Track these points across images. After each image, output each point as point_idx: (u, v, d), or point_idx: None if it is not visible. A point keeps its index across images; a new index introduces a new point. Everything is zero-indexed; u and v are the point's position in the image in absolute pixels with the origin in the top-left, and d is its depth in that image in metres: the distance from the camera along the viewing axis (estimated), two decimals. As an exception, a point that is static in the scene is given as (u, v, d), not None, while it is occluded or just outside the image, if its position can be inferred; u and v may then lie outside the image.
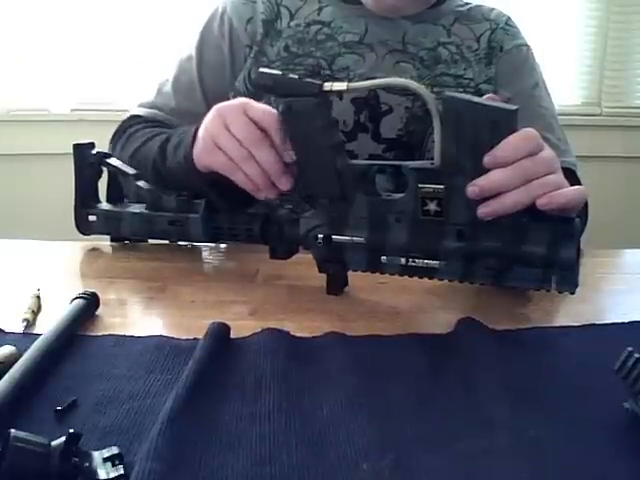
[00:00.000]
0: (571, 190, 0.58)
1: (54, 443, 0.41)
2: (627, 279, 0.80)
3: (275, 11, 0.98)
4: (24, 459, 0.39)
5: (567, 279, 0.58)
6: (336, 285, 0.71)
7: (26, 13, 1.94)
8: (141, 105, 1.05)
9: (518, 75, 1.00)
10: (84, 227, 0.87)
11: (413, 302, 0.70)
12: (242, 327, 0.62)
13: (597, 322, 0.65)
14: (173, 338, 0.61)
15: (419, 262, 0.63)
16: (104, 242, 0.89)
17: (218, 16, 1.00)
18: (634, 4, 2.03)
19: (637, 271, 0.84)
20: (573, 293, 0.59)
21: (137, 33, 1.98)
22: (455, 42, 0.98)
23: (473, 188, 0.57)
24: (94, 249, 0.88)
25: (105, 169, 0.87)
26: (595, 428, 0.48)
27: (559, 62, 2.02)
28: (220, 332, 0.60)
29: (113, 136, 1.02)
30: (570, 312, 0.67)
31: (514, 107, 0.56)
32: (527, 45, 1.03)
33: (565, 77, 2.07)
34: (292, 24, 0.97)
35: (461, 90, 0.95)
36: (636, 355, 0.47)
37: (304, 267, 0.73)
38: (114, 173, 0.87)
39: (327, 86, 0.62)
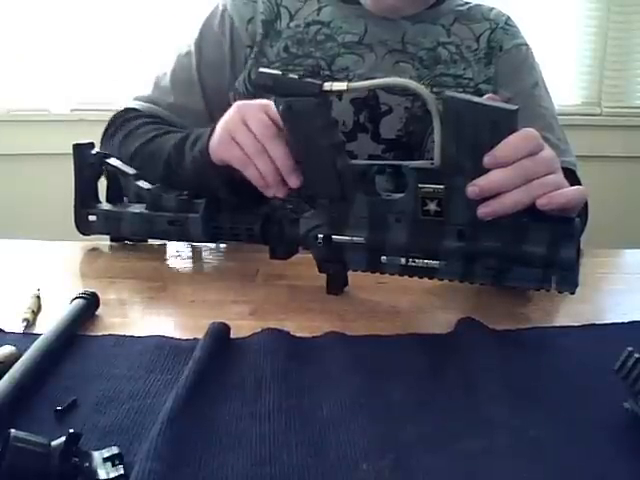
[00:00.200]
0: (571, 190, 0.58)
1: (54, 443, 0.41)
2: (627, 279, 0.80)
3: (275, 11, 0.98)
4: (24, 459, 0.39)
5: (567, 279, 0.58)
6: (336, 285, 0.71)
7: (26, 13, 1.94)
8: (137, 98, 1.04)
9: (518, 75, 1.00)
10: (84, 227, 0.87)
11: (413, 302, 0.70)
12: (242, 327, 0.62)
13: (597, 322, 0.65)
14: (173, 338, 0.61)
15: (419, 262, 0.63)
16: (104, 242, 0.89)
17: (219, 14, 1.00)
18: (634, 4, 2.03)
19: (637, 271, 0.84)
20: (573, 293, 0.59)
21: (137, 33, 1.98)
22: (455, 42, 0.98)
23: (473, 188, 0.57)
24: (94, 249, 0.88)
25: (105, 169, 0.87)
26: (595, 428, 0.48)
27: (559, 62, 2.02)
28: (220, 332, 0.60)
29: (107, 128, 1.01)
30: (570, 312, 0.67)
31: (514, 107, 0.56)
32: (527, 45, 1.03)
33: (565, 77, 2.07)
34: (292, 24, 0.97)
35: (461, 90, 0.95)
36: (636, 355, 0.47)
37: (304, 267, 0.73)
38: (114, 173, 0.87)
39: (327, 86, 0.62)
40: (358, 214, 0.65)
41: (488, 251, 0.60)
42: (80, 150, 0.86)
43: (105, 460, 0.42)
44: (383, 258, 0.65)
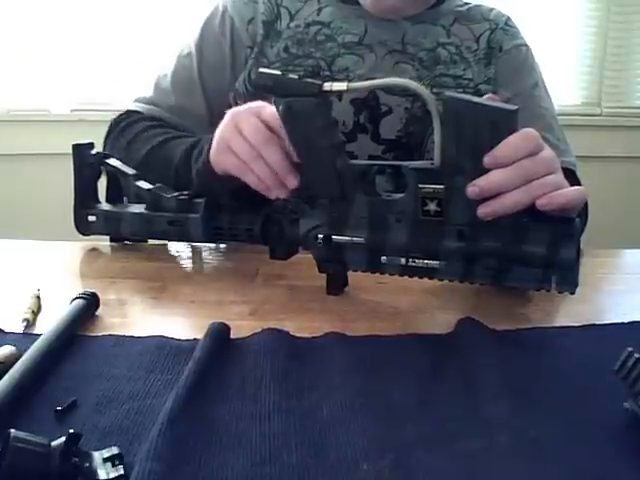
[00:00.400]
0: (571, 190, 0.58)
1: (54, 443, 0.41)
2: (627, 279, 0.80)
3: (275, 12, 0.98)
4: (24, 459, 0.39)
5: (567, 279, 0.58)
6: (336, 285, 0.71)
7: (26, 13, 1.94)
8: (138, 100, 1.04)
9: (518, 75, 1.00)
10: (84, 227, 0.87)
11: (413, 302, 0.70)
12: (242, 327, 0.62)
13: (597, 322, 0.65)
14: (173, 338, 0.61)
15: (419, 262, 0.63)
16: (104, 242, 0.89)
17: (219, 14, 1.00)
18: (634, 4, 2.03)
19: (637, 271, 0.84)
20: (573, 293, 0.59)
21: (137, 33, 1.98)
22: (454, 42, 0.98)
23: (473, 188, 0.57)
24: (94, 249, 0.88)
25: (104, 169, 0.87)
26: (595, 428, 0.48)
27: (559, 62, 2.03)
28: (220, 332, 0.60)
29: (109, 132, 1.01)
30: (570, 312, 0.67)
31: (514, 107, 0.56)
32: (526, 45, 1.03)
33: (565, 77, 2.07)
34: (292, 25, 0.97)
35: (460, 90, 0.95)
36: (636, 355, 0.47)
37: (304, 267, 0.73)
38: (113, 173, 0.87)
39: (327, 86, 0.62)
40: (358, 214, 0.65)
41: (488, 251, 0.60)
42: (80, 150, 0.86)
43: (105, 460, 0.42)
44: (383, 258, 0.65)
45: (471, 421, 0.48)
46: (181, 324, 0.66)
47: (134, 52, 1.99)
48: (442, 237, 0.61)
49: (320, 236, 0.68)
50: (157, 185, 0.82)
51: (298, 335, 0.61)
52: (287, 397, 0.51)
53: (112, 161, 0.86)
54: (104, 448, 0.43)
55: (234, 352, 0.58)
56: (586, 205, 0.81)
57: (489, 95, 0.65)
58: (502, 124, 0.56)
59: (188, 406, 0.48)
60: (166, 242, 0.87)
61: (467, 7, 1.03)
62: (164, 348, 0.59)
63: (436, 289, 0.71)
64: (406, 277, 0.65)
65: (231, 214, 0.77)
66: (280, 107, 0.64)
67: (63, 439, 0.41)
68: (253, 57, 0.97)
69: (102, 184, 0.88)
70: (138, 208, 0.82)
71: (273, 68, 0.65)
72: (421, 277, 0.65)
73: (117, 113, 1.03)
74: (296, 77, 0.63)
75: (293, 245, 0.73)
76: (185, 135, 0.91)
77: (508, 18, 1.04)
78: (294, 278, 0.76)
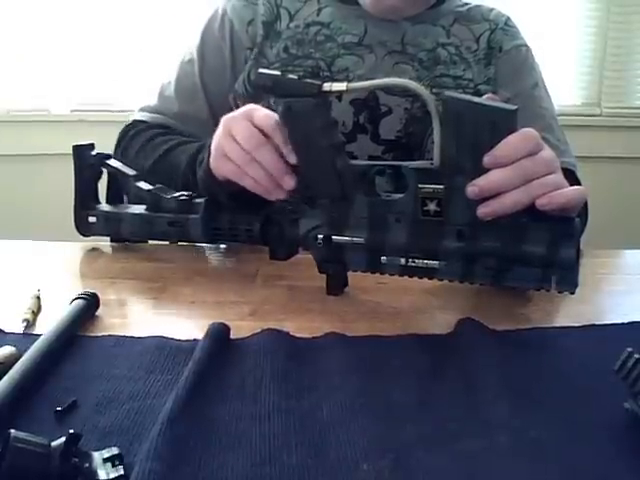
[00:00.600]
0: (571, 190, 0.58)
1: (54, 443, 0.41)
2: (627, 280, 0.80)
3: (275, 13, 0.98)
4: (24, 459, 0.39)
5: (567, 279, 0.58)
6: (336, 285, 0.71)
7: (26, 13, 1.94)
8: (143, 109, 1.05)
9: (518, 75, 1.00)
10: (84, 228, 0.87)
11: (413, 302, 0.70)
12: (242, 327, 0.62)
13: (597, 323, 0.65)
14: (173, 339, 0.61)
15: (419, 262, 0.63)
16: (104, 243, 0.89)
17: (219, 17, 1.00)
18: (634, 4, 2.03)
19: (637, 272, 0.84)
20: (573, 293, 0.59)
21: (137, 33, 1.98)
22: (454, 43, 0.98)
23: (473, 188, 0.57)
24: (94, 249, 0.88)
25: (105, 170, 0.87)
26: (595, 428, 0.47)
27: (559, 62, 2.03)
28: (220, 332, 0.60)
29: (118, 143, 1.02)
30: (570, 312, 0.67)
31: (514, 107, 0.56)
32: (526, 45, 1.03)
33: (565, 77, 2.08)
34: (291, 25, 0.97)
35: (460, 91, 0.95)
36: (636, 355, 0.47)
37: (304, 267, 0.73)
38: (114, 174, 0.87)
39: (326, 86, 0.62)
40: (358, 214, 0.65)
41: (488, 251, 0.60)
42: (80, 151, 0.86)
43: (105, 461, 0.42)
44: (383, 258, 0.65)
45: (471, 421, 0.48)
46: (181, 324, 0.66)
47: (134, 52, 1.99)
48: (442, 237, 0.61)
49: (320, 236, 0.68)
50: (157, 186, 0.82)
51: (298, 335, 0.61)
52: (287, 397, 0.51)
53: (112, 162, 0.86)
54: (104, 448, 0.43)
55: (234, 352, 0.58)
56: (586, 205, 0.81)
57: (489, 95, 0.65)
58: (502, 124, 0.56)
59: (188, 406, 0.48)
60: (166, 243, 0.87)
61: (467, 7, 1.03)
62: (164, 348, 0.59)
63: (436, 289, 0.71)
64: (406, 277, 0.65)
65: (231, 215, 0.77)
66: (280, 107, 0.64)
67: (63, 439, 0.41)
68: (253, 58, 0.97)
69: (102, 185, 0.88)
70: (138, 209, 0.82)
71: (273, 69, 0.66)
72: (421, 277, 0.65)
73: (124, 124, 1.05)
74: (296, 77, 0.63)
75: (293, 245, 0.73)
76: (190, 141, 0.91)
77: (508, 18, 1.04)
78: (294, 278, 0.76)
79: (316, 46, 0.96)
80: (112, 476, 0.41)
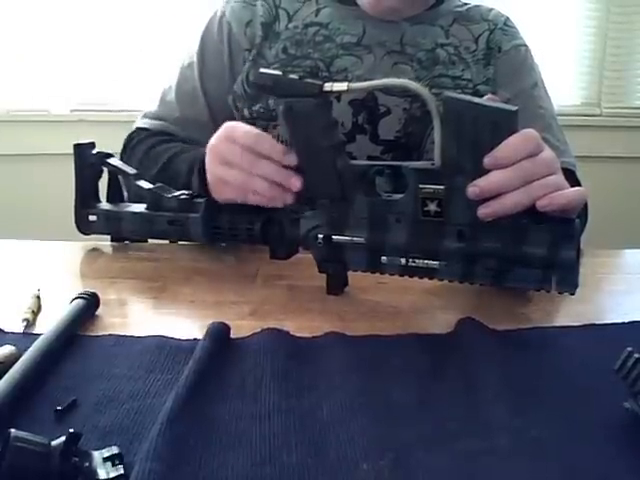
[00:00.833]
0: (571, 191, 0.58)
1: (54, 443, 0.41)
2: (628, 279, 0.80)
3: (273, 13, 0.98)
4: (24, 459, 0.39)
5: (567, 280, 0.58)
6: (336, 285, 0.71)
7: (26, 13, 1.94)
8: (145, 116, 1.06)
9: (517, 76, 1.00)
10: (84, 227, 0.87)
11: (413, 302, 0.70)
12: (242, 327, 0.62)
13: (598, 322, 0.65)
14: (173, 338, 0.61)
15: (419, 262, 0.63)
16: (104, 242, 0.89)
17: (217, 20, 1.00)
18: (634, 4, 2.03)
19: (637, 271, 0.84)
20: (573, 294, 0.59)
21: (137, 33, 1.98)
22: (453, 43, 0.98)
23: (473, 189, 0.57)
24: (94, 249, 0.88)
25: (105, 169, 0.87)
26: (596, 428, 0.48)
27: (559, 62, 2.03)
28: (220, 332, 0.60)
29: (122, 152, 1.02)
30: (571, 312, 0.67)
31: (514, 108, 0.56)
32: (526, 45, 1.03)
33: (565, 77, 2.08)
34: (290, 26, 0.97)
35: (459, 91, 0.95)
36: (636, 355, 0.47)
37: (304, 267, 0.73)
38: (114, 173, 0.87)
39: (327, 86, 0.62)
40: (358, 214, 0.66)
41: (488, 252, 0.60)
42: (81, 150, 0.86)
43: (105, 460, 0.42)
44: (383, 258, 0.65)
45: (471, 421, 0.48)
46: (181, 324, 0.66)
47: (134, 52, 1.99)
48: (442, 237, 0.61)
49: (320, 236, 0.68)
50: (158, 185, 0.82)
51: (298, 335, 0.61)
52: (287, 397, 0.51)
53: (113, 161, 0.86)
54: (104, 448, 0.43)
55: (234, 352, 0.58)
56: (586, 206, 0.81)
57: (489, 96, 0.65)
58: (502, 125, 0.56)
59: (188, 406, 0.48)
60: (166, 242, 0.87)
61: (466, 7, 1.03)
62: (164, 348, 0.59)
63: (436, 289, 0.71)
64: (406, 277, 0.65)
65: (231, 214, 0.77)
66: (280, 107, 0.64)
67: (63, 439, 0.41)
68: (251, 59, 0.97)
69: (103, 184, 0.88)
70: (139, 208, 0.82)
71: (272, 69, 0.66)
72: (421, 277, 0.65)
73: (127, 130, 1.05)
74: (297, 77, 0.63)
75: (293, 245, 0.73)
76: (189, 148, 0.91)
77: (507, 18, 1.04)
78: (294, 278, 0.76)
79: (315, 46, 0.96)
80: (112, 475, 0.41)
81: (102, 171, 0.87)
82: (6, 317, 0.64)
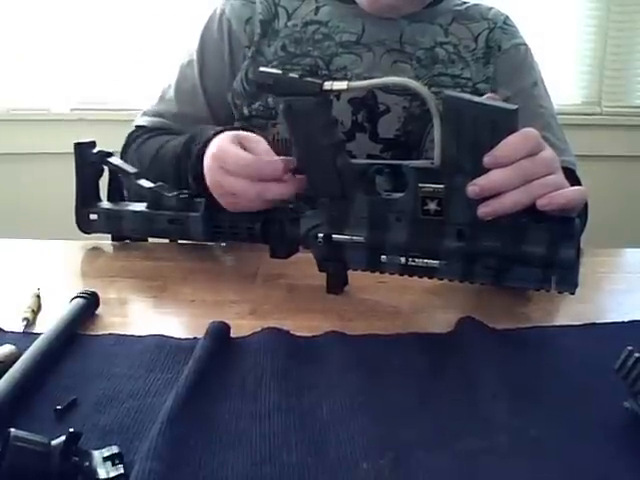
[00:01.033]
0: (571, 191, 0.58)
1: (54, 442, 0.41)
2: (628, 278, 0.80)
3: (272, 11, 0.98)
4: (24, 458, 0.39)
5: (567, 279, 0.58)
6: (336, 284, 0.71)
7: (26, 13, 1.94)
8: (144, 114, 1.06)
9: (517, 74, 1.00)
10: (85, 226, 0.87)
11: (413, 301, 0.70)
12: (242, 326, 0.62)
13: (598, 321, 0.65)
14: (173, 337, 0.61)
15: (419, 261, 0.63)
16: (105, 241, 0.89)
17: (217, 18, 1.00)
18: (634, 4, 2.03)
19: (638, 270, 0.84)
20: (573, 293, 0.59)
21: (137, 33, 1.98)
22: (452, 42, 0.98)
23: (473, 188, 0.57)
24: (94, 248, 0.88)
25: (106, 168, 0.87)
26: (595, 427, 0.48)
27: (559, 62, 2.03)
28: (220, 331, 0.60)
29: (123, 150, 1.03)
30: (571, 311, 0.67)
31: (514, 107, 0.56)
32: (525, 44, 1.03)
33: (565, 77, 2.08)
34: (289, 24, 0.97)
35: (459, 90, 0.95)
36: (636, 354, 0.47)
37: (304, 266, 0.73)
38: (115, 172, 0.87)
39: (327, 85, 0.62)
40: (358, 213, 0.65)
41: (488, 251, 0.60)
42: (81, 149, 0.86)
43: (105, 459, 0.42)
44: (383, 257, 0.65)
45: (471, 420, 0.48)
46: (181, 323, 0.66)
47: (134, 51, 1.99)
48: (442, 236, 0.61)
49: (320, 235, 0.68)
50: (158, 184, 0.82)
51: (298, 334, 0.61)
52: (287, 396, 0.51)
53: (114, 159, 0.86)
54: (104, 447, 0.43)
55: (234, 351, 0.58)
56: (586, 205, 0.81)
57: (489, 95, 0.65)
58: (502, 124, 0.56)
59: (188, 405, 0.48)
60: (167, 241, 0.87)
61: (465, 6, 1.02)
62: (164, 347, 0.59)
63: (436, 288, 0.71)
64: (406, 276, 0.65)
65: (232, 213, 0.77)
66: (280, 106, 0.64)
67: (63, 438, 0.41)
68: (250, 56, 0.97)
69: (104, 182, 0.88)
70: (139, 206, 0.82)
71: (271, 67, 0.65)
72: (421, 276, 0.65)
73: (127, 127, 1.05)
74: (296, 76, 0.63)
75: (293, 244, 0.73)
76: (175, 137, 0.91)
77: (507, 17, 1.04)
78: (294, 277, 0.76)
79: (314, 45, 0.96)
80: (112, 475, 0.41)
81: (103, 170, 0.87)
82: (6, 316, 0.64)
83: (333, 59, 0.95)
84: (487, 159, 0.56)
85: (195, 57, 1.01)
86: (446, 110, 0.57)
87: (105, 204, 0.87)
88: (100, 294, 0.67)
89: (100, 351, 0.59)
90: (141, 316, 0.69)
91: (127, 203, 0.86)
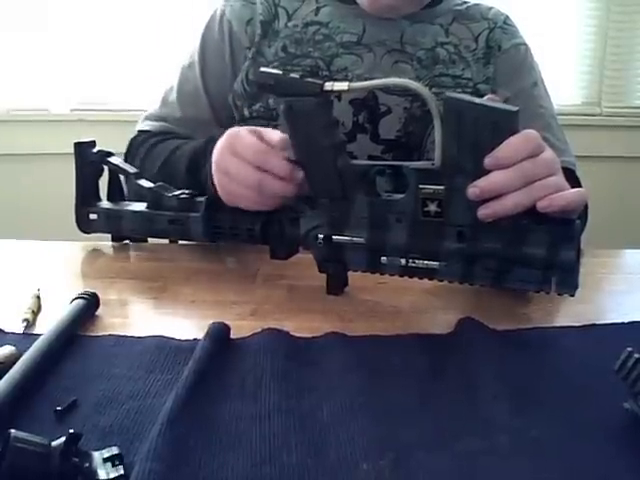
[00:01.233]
0: (572, 192, 0.58)
1: (54, 443, 0.41)
2: (628, 279, 0.80)
3: (273, 12, 0.98)
4: (24, 459, 0.39)
5: (567, 281, 0.58)
6: (336, 285, 0.71)
7: (26, 13, 1.94)
8: (147, 118, 1.06)
9: (517, 75, 1.00)
10: (85, 226, 0.87)
11: (413, 302, 0.70)
12: (242, 327, 0.62)
13: (598, 322, 0.65)
14: (173, 338, 0.61)
15: (419, 263, 0.63)
16: (105, 242, 0.89)
17: (217, 19, 1.00)
18: (634, 4, 2.03)
19: (638, 271, 0.84)
20: (573, 295, 0.59)
21: (137, 33, 1.98)
22: (453, 42, 0.98)
23: (474, 189, 0.57)
24: (95, 249, 0.88)
25: (106, 168, 0.87)
26: (595, 428, 0.48)
27: (559, 62, 2.03)
28: (220, 332, 0.60)
29: (126, 155, 1.02)
30: (571, 312, 0.67)
31: (515, 108, 0.56)
32: (525, 44, 1.03)
33: (565, 77, 2.08)
34: (290, 24, 0.97)
35: (459, 90, 0.95)
36: (636, 355, 0.47)
37: (304, 267, 0.73)
38: (115, 172, 0.87)
39: (328, 86, 0.62)
40: (358, 214, 0.65)
41: (488, 252, 0.60)
42: (81, 148, 0.86)
43: (105, 460, 0.42)
44: (383, 259, 0.65)
45: (471, 421, 0.48)
46: (181, 324, 0.66)
47: (134, 52, 1.99)
48: (442, 238, 0.61)
49: (320, 236, 0.68)
50: (158, 184, 0.82)
51: (298, 335, 0.61)
52: (287, 397, 0.51)
53: (113, 159, 0.86)
54: (104, 448, 0.43)
55: (234, 352, 0.58)
56: (586, 206, 0.81)
57: (490, 96, 0.65)
58: (503, 125, 0.56)
59: (188, 406, 0.48)
60: (167, 241, 0.87)
61: (466, 6, 1.02)
62: (164, 348, 0.59)
63: (436, 289, 0.71)
64: (406, 277, 0.65)
65: (232, 213, 0.77)
66: (281, 106, 0.64)
67: (63, 439, 0.41)
68: (250, 57, 0.97)
69: (103, 182, 0.88)
70: (139, 206, 0.82)
71: (271, 67, 0.65)
72: (421, 278, 0.65)
73: (128, 131, 1.05)
74: (297, 77, 0.63)
75: (293, 245, 0.73)
76: (186, 142, 0.91)
77: (507, 17, 1.04)
78: (294, 278, 0.76)
79: (315, 45, 0.96)
80: (112, 476, 0.41)
81: (102, 170, 0.87)
82: (6, 317, 0.64)
83: (334, 60, 0.95)
84: (488, 160, 0.56)
85: (196, 59, 1.01)
86: (447, 111, 0.57)
87: (105, 204, 0.87)
88: (100, 295, 0.67)
89: (100, 352, 0.59)
90: (141, 317, 0.69)
91: (127, 203, 0.86)
